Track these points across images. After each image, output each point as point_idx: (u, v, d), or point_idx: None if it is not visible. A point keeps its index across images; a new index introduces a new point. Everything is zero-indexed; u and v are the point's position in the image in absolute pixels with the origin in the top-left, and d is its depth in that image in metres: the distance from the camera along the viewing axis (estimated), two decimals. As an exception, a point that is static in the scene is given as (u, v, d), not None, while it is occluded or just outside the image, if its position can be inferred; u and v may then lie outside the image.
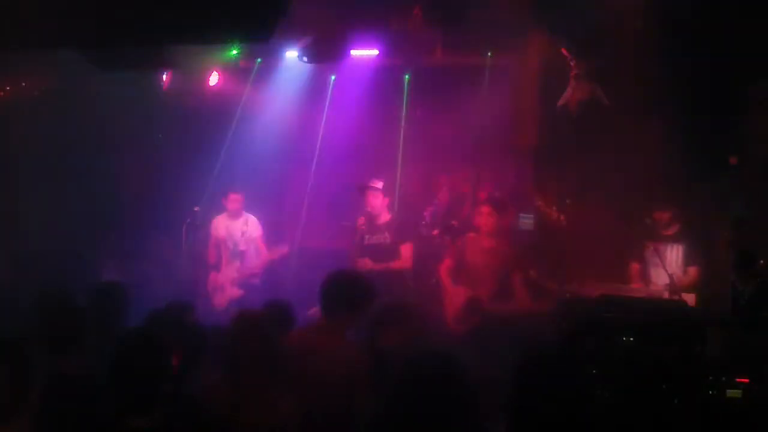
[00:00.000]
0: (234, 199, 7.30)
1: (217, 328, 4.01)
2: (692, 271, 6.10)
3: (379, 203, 6.67)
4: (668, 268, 5.94)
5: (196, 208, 7.48)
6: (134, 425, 2.68)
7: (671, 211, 6.19)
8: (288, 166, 8.52)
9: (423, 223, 7.46)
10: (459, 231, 6.87)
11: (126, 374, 2.75)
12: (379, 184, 6.73)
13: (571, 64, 6.48)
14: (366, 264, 6.45)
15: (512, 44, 7.05)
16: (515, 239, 6.64)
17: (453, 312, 6.07)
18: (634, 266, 6.34)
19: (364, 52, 7.99)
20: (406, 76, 8.27)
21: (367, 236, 6.65)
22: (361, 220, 6.73)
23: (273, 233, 7.61)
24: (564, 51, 6.51)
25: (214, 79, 8.42)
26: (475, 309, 5.96)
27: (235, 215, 7.33)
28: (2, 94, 7.94)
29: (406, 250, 6.56)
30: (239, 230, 7.30)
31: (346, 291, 3.93)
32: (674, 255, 6.16)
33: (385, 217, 6.72)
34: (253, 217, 7.40)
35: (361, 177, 7.04)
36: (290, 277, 7.36)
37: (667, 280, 5.89)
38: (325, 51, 7.92)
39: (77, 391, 3.18)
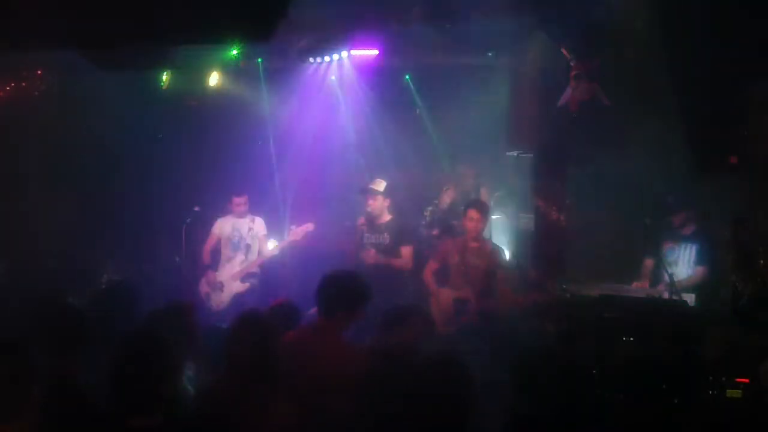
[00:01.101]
0: (239, 203, 7.32)
1: (216, 329, 4.01)
2: (700, 270, 6.13)
3: (379, 204, 6.68)
4: (682, 267, 5.96)
5: (196, 208, 7.49)
6: (135, 425, 2.68)
7: (685, 212, 6.20)
8: (288, 166, 8.52)
9: (423, 223, 7.47)
10: (459, 231, 6.89)
11: (127, 374, 2.75)
12: (381, 186, 6.72)
13: (571, 64, 6.47)
14: (369, 256, 6.47)
15: (512, 44, 7.04)
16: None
17: (440, 314, 6.10)
18: (634, 266, 6.34)
19: (364, 52, 7.99)
20: (406, 76, 8.27)
21: (366, 236, 6.66)
22: (362, 221, 6.75)
23: (275, 233, 7.62)
24: (564, 51, 6.51)
25: (214, 79, 8.41)
26: (462, 309, 6.01)
27: (242, 216, 7.36)
28: (2, 94, 7.94)
29: (407, 252, 6.58)
30: (246, 226, 7.35)
31: (342, 291, 3.93)
32: (688, 254, 6.17)
33: (385, 217, 6.73)
34: (259, 218, 7.44)
35: (361, 177, 7.02)
36: (290, 277, 7.35)
37: (666, 280, 5.89)
38: (325, 51, 7.93)
39: (78, 391, 3.18)
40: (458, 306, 6.04)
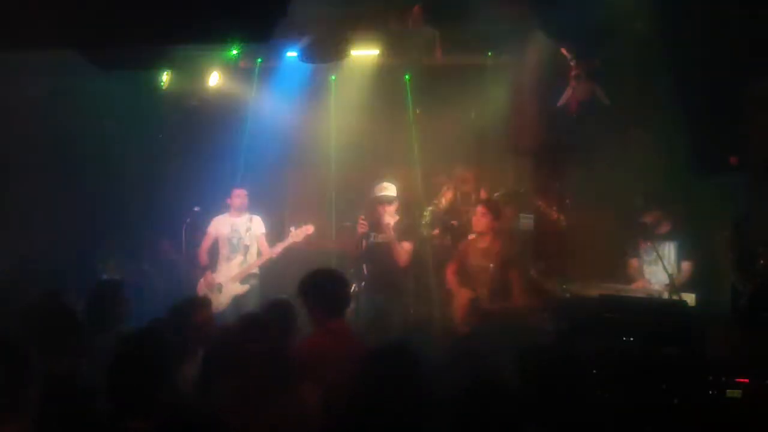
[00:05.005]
0: (238, 195, 7.29)
1: (215, 330, 4.00)
2: (686, 269, 6.12)
3: (393, 210, 6.62)
4: (663, 267, 5.96)
5: (196, 208, 7.47)
6: (133, 427, 2.68)
7: (658, 212, 6.23)
8: (288, 167, 8.52)
9: (423, 223, 7.46)
10: (459, 231, 6.87)
11: (125, 376, 2.75)
12: (394, 191, 6.62)
13: (571, 64, 6.48)
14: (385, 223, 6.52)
15: (512, 44, 7.05)
16: (513, 238, 6.67)
17: (458, 313, 6.11)
18: (633, 266, 6.35)
19: (364, 52, 7.99)
20: (406, 76, 8.26)
21: (372, 235, 6.63)
22: (362, 220, 6.71)
23: (274, 233, 7.61)
24: (564, 51, 6.51)
25: (214, 79, 8.41)
26: (475, 310, 5.99)
27: (239, 212, 7.32)
28: (2, 94, 7.93)
29: (407, 247, 6.55)
30: (244, 226, 7.30)
31: (345, 288, 3.95)
32: (667, 253, 6.18)
33: (392, 218, 6.72)
34: (257, 216, 7.40)
35: (360, 176, 6.99)
36: (290, 277, 7.34)
37: (665, 280, 5.90)
38: (325, 51, 7.92)
39: (75, 392, 3.17)
40: (472, 306, 6.04)
